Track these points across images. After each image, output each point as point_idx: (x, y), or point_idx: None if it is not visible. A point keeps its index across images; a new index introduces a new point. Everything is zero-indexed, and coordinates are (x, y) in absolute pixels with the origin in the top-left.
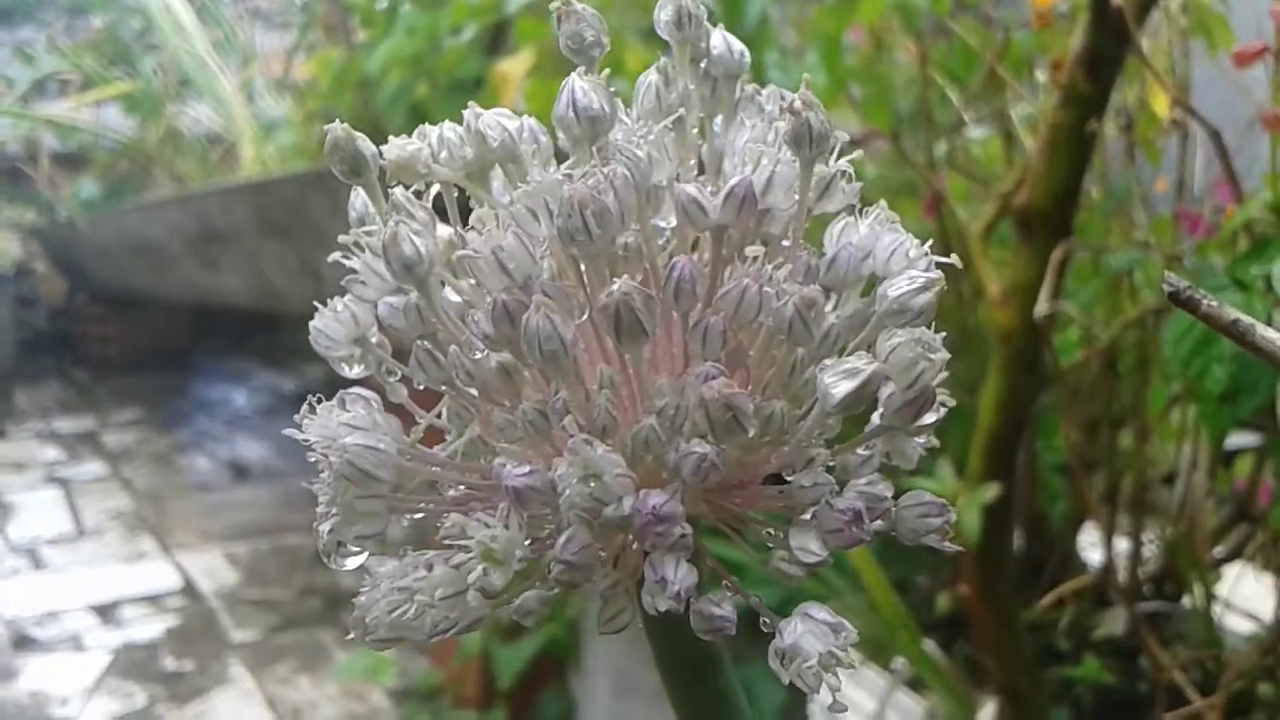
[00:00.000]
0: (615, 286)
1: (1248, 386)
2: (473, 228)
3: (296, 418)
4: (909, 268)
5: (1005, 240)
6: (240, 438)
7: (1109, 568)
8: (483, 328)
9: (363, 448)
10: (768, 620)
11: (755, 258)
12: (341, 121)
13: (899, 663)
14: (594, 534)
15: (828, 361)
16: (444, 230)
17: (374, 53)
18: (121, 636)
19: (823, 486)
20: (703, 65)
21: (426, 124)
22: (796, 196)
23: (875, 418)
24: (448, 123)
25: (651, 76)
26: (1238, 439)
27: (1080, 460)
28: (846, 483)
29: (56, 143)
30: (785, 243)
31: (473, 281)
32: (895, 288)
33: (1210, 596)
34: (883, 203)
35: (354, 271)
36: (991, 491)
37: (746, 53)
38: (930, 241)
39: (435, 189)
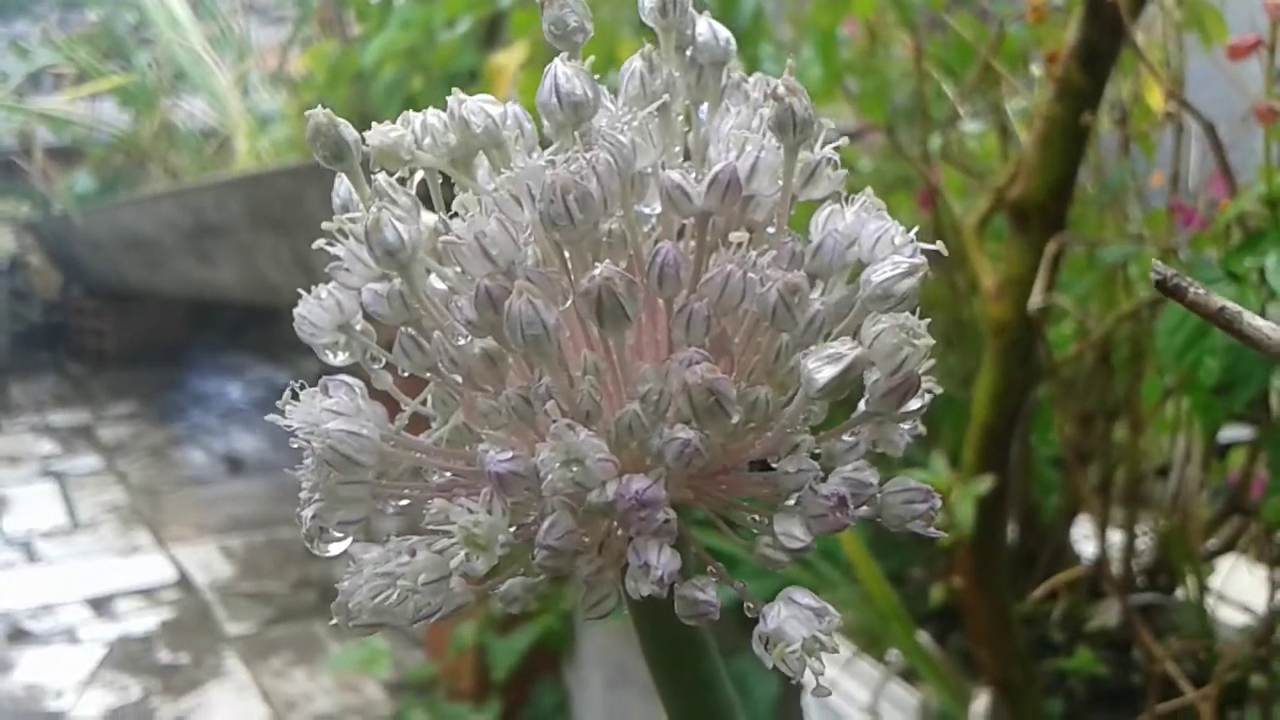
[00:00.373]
0: (597, 271)
1: (1241, 379)
2: (456, 214)
3: (279, 403)
4: (894, 254)
5: (1000, 234)
6: (235, 431)
7: (1102, 560)
8: (466, 313)
9: (345, 433)
10: (750, 605)
11: (739, 244)
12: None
13: (893, 654)
14: (577, 520)
15: (811, 347)
16: (428, 217)
17: (369, 46)
18: (116, 629)
19: (807, 473)
20: (688, 52)
21: (410, 111)
22: (781, 183)
23: (861, 404)
24: (431, 109)
25: (636, 63)
26: (1231, 432)
27: (1074, 453)
28: (832, 469)
29: (51, 136)
30: (770, 229)
31: (457, 269)
32: (879, 273)
33: (1203, 588)
34: (869, 190)
35: (338, 258)
36: (986, 483)
37: (732, 39)
38: (920, 232)
39: (419, 175)
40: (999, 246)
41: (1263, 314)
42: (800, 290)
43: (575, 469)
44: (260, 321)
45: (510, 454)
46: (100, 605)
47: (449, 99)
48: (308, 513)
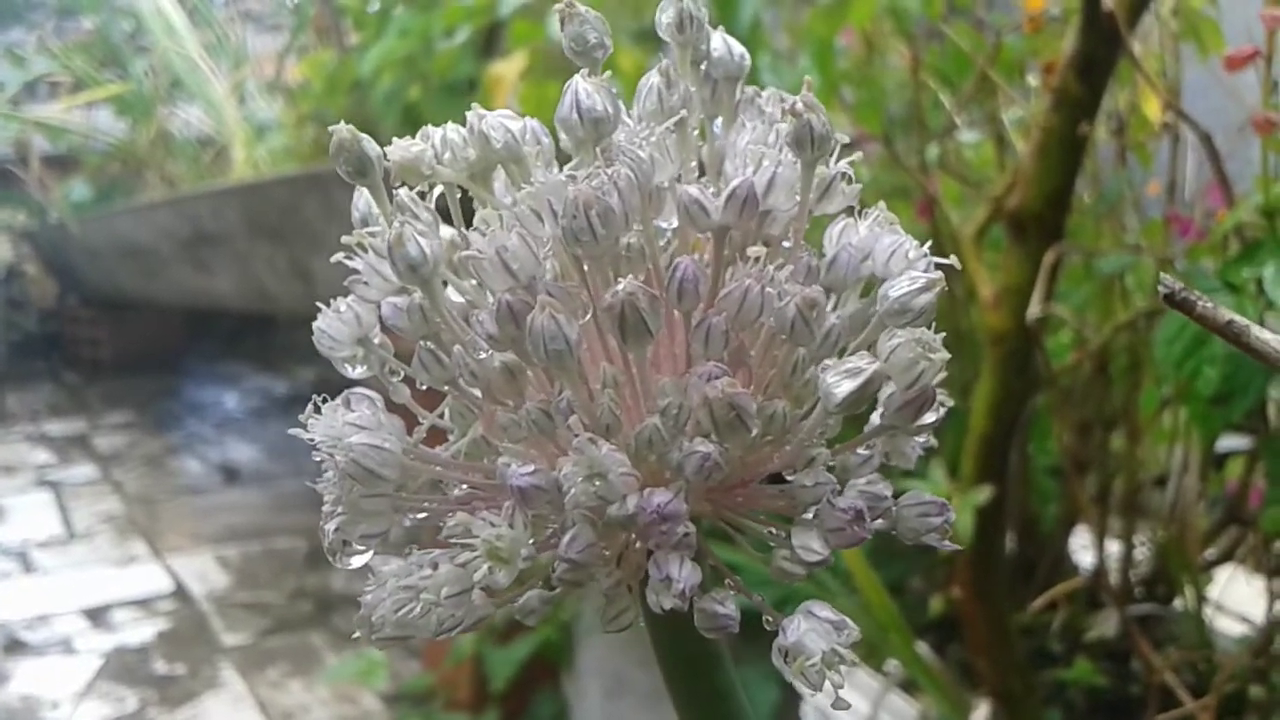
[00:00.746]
0: (620, 287)
1: (1239, 389)
2: (476, 229)
3: (302, 417)
4: (909, 268)
5: (997, 243)
6: (231, 440)
7: (1101, 570)
8: (487, 328)
9: (368, 447)
10: (770, 618)
11: (757, 258)
12: (333, 124)
13: (892, 665)
14: (597, 533)
15: (829, 361)
16: (446, 231)
17: (366, 55)
18: (112, 640)
19: (824, 486)
20: (703, 67)
21: (429, 125)
22: (798, 198)
23: (875, 418)
24: (451, 124)
25: (653, 79)
26: (1229, 441)
27: (1072, 462)
28: (846, 482)
29: (47, 145)
30: (786, 243)
31: (474, 282)
32: (897, 288)
33: (1202, 599)
34: (882, 204)
35: (356, 272)
36: (984, 494)
37: (747, 55)
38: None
39: (438, 190)
40: (997, 256)
41: (1261, 324)
42: (818, 305)
43: (598, 483)
44: (257, 330)
45: (532, 468)
46: (96, 616)
47: (468, 114)
48: (330, 526)
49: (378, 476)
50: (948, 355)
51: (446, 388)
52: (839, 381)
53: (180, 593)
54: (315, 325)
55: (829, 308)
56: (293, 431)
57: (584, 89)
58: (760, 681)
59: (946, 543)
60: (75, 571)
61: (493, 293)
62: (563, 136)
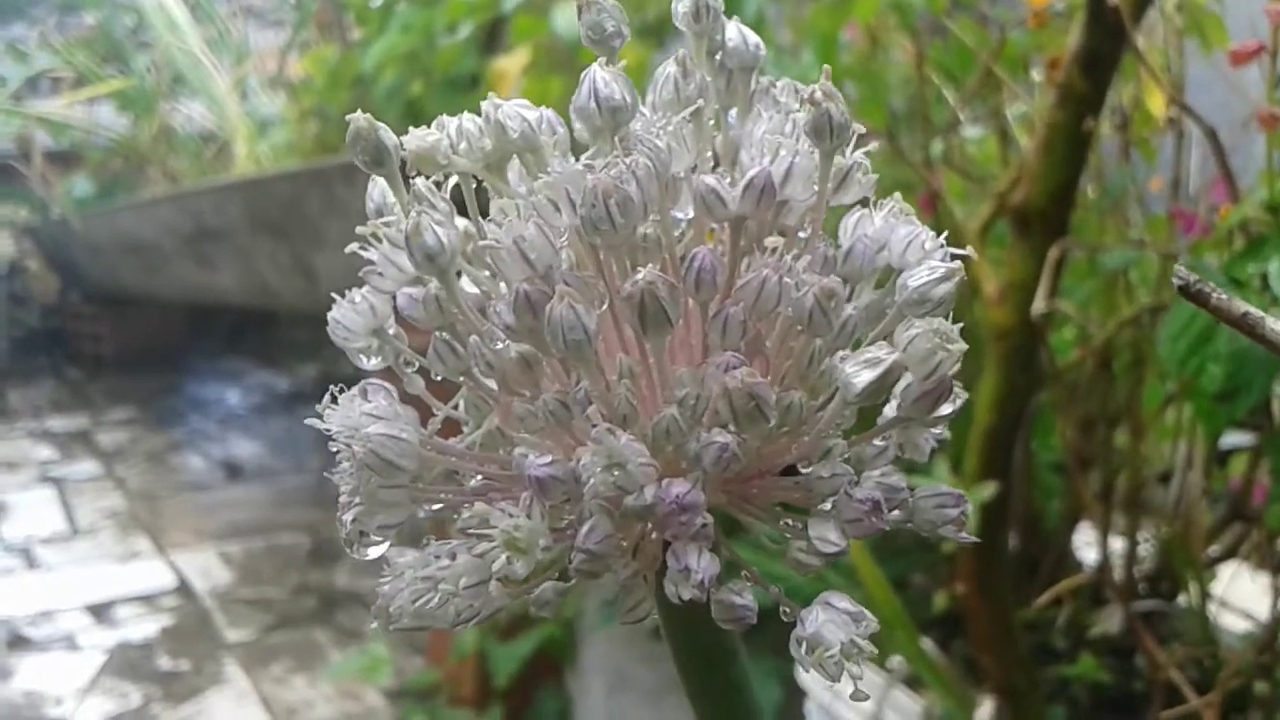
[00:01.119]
0: (640, 276)
1: (1244, 385)
2: (492, 219)
3: (319, 407)
4: (926, 259)
5: (1002, 239)
6: (234, 436)
7: (1105, 566)
8: (504, 318)
9: (386, 437)
10: (788, 609)
11: (775, 248)
12: (335, 119)
13: (896, 661)
14: (615, 524)
15: (846, 352)
16: (460, 221)
17: (369, 50)
18: (116, 636)
19: (841, 477)
20: (718, 57)
21: (444, 116)
22: (815, 188)
23: (890, 409)
24: (467, 114)
25: (670, 68)
26: (1233, 438)
27: (1076, 459)
28: (862, 474)
29: (49, 140)
30: (803, 234)
31: (487, 273)
32: (916, 278)
33: (1206, 595)
34: (897, 195)
35: (365, 265)
36: (988, 490)
37: (762, 45)
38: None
39: (453, 180)
40: (1001, 252)
41: None
42: (836, 296)
43: (617, 473)
44: (259, 326)
45: (550, 459)
46: (99, 612)
47: (483, 104)
48: (348, 516)
49: (396, 467)
50: (965, 346)
51: (462, 379)
52: (858, 371)
53: (183, 589)
54: (330, 316)
55: (845, 298)
56: (309, 421)
57: (601, 78)
58: (762, 679)
59: (963, 534)
60: (78, 567)
61: (509, 283)
62: (577, 126)
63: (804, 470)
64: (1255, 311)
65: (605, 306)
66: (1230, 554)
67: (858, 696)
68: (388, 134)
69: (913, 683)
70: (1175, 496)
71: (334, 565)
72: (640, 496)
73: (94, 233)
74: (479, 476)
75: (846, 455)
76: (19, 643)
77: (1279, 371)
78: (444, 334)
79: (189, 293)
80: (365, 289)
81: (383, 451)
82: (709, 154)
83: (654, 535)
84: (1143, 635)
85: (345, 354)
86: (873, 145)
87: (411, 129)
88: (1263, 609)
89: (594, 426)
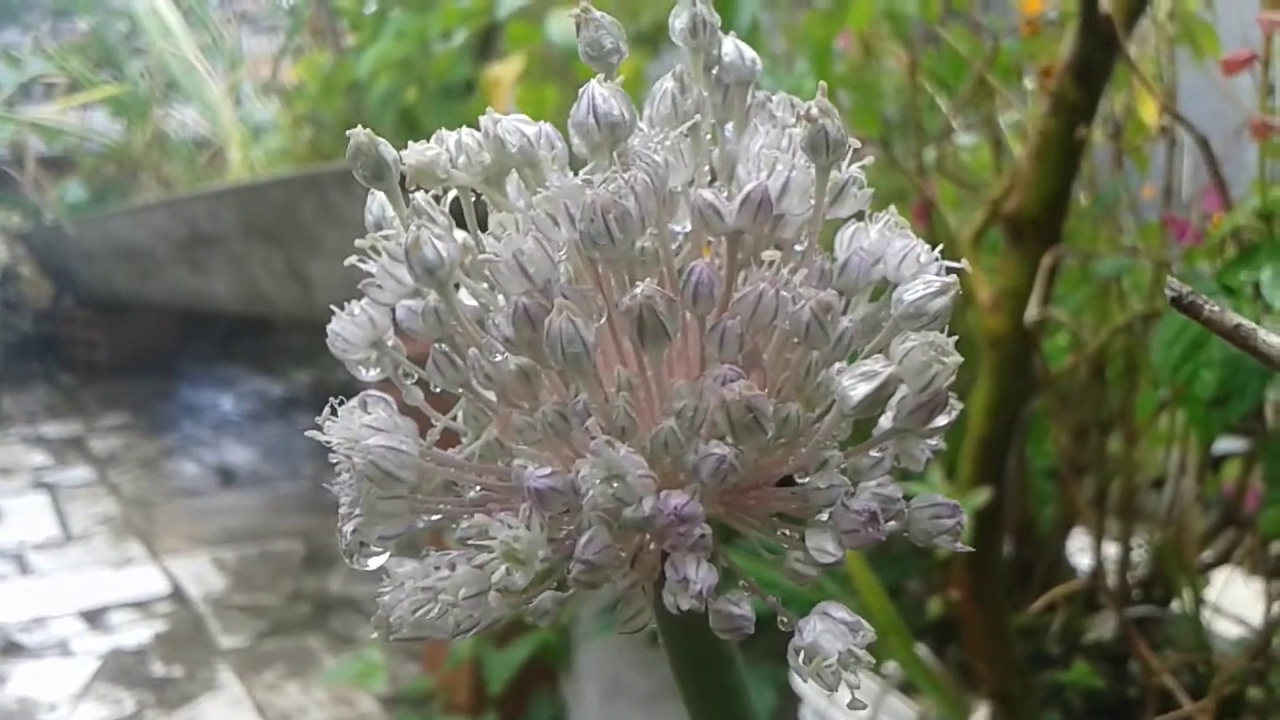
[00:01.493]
0: (638, 290)
1: (1236, 391)
2: (491, 233)
3: (319, 420)
4: (921, 272)
5: (995, 246)
6: (227, 443)
7: (1098, 572)
8: (503, 331)
9: (386, 449)
10: (785, 619)
11: (771, 262)
12: (329, 126)
13: (891, 667)
14: (613, 534)
15: (843, 365)
16: (460, 235)
17: (363, 57)
18: (109, 642)
19: (838, 488)
20: (714, 72)
21: (443, 130)
22: (811, 202)
23: (886, 421)
24: (466, 129)
25: (667, 84)
26: (1226, 444)
27: (1069, 465)
28: (858, 484)
29: (43, 146)
30: (799, 247)
31: (486, 286)
32: (912, 292)
33: (1199, 601)
34: (893, 209)
35: (360, 274)
36: (982, 496)
37: (758, 60)
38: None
39: (452, 194)
40: (994, 259)
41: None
42: (833, 309)
43: (616, 485)
44: (253, 332)
45: (549, 470)
46: (93, 618)
47: (482, 118)
48: (348, 528)
49: (395, 478)
50: (960, 359)
51: (461, 390)
52: (855, 384)
53: (177, 595)
54: (329, 328)
55: (841, 311)
56: (310, 433)
57: (600, 94)
58: (758, 685)
59: (959, 544)
60: (72, 573)
61: (508, 296)
62: (576, 140)
63: (801, 481)
64: (1247, 323)
65: (604, 320)
66: (1224, 559)
67: (855, 705)
68: (387, 149)
69: (908, 689)
70: (1169, 502)
71: (328, 571)
72: (639, 508)
73: (87, 238)
74: (478, 488)
75: (843, 466)
76: (12, 649)
77: (1271, 378)
78: (443, 346)
79: (183, 299)
80: (364, 301)
81: (382, 463)
82: (706, 168)
83: (652, 546)
84: (1136, 641)
85: (340, 361)
86: (868, 160)
87: (411, 143)
88: (1256, 614)
89: (593, 438)
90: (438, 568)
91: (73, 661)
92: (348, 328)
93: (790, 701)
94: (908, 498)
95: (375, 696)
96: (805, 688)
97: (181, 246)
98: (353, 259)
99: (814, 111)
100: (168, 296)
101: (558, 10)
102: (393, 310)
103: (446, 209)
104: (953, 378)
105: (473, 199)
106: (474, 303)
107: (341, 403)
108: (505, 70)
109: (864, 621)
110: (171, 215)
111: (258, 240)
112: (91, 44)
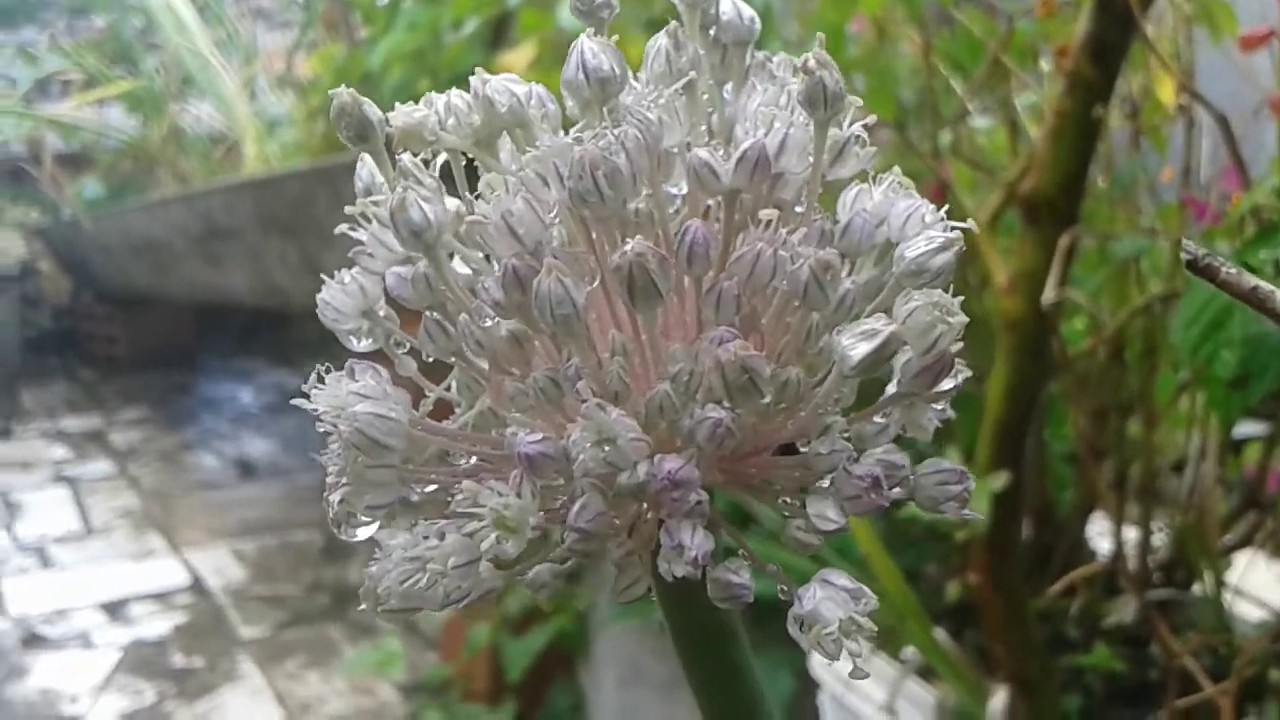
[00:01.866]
0: (628, 247)
1: (1257, 372)
2: (480, 195)
3: (304, 387)
4: (924, 231)
5: (1011, 228)
6: (246, 435)
7: (1118, 555)
8: (493, 294)
9: (373, 416)
10: (784, 588)
11: (769, 222)
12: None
13: (909, 651)
14: (608, 501)
15: (843, 326)
16: (451, 201)
17: (375, 49)
18: (130, 634)
19: (840, 453)
20: (712, 32)
21: (432, 93)
22: (810, 160)
23: (891, 387)
24: (455, 90)
25: (661, 40)
26: (1247, 426)
27: (1089, 448)
28: (863, 452)
29: (60, 142)
30: (799, 208)
31: (480, 254)
32: (913, 248)
33: (1220, 584)
34: (896, 169)
35: (361, 243)
36: (1000, 479)
37: (756, 19)
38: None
39: (442, 158)
40: (1010, 241)
41: None
42: (833, 268)
43: (607, 449)
44: (270, 325)
45: (540, 436)
46: (114, 610)
47: (472, 79)
48: (335, 497)
49: (383, 446)
50: (965, 319)
51: (453, 359)
52: (854, 344)
53: (197, 586)
54: (319, 297)
55: (844, 274)
56: (296, 402)
57: (589, 48)
58: (775, 670)
59: (965, 511)
60: (93, 566)
61: (498, 260)
62: (569, 101)
63: (802, 448)
64: (1265, 285)
65: (597, 282)
66: (1245, 542)
67: (857, 674)
68: (372, 108)
69: (926, 673)
70: (1189, 485)
71: (347, 562)
72: (633, 473)
73: (105, 234)
74: (472, 458)
75: (846, 433)
76: (34, 641)
77: None
78: (434, 313)
79: (200, 293)
80: (355, 270)
81: (369, 430)
82: (703, 128)
83: (649, 514)
84: (1157, 624)
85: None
86: (871, 118)
87: (398, 105)
88: (1278, 597)
89: (584, 402)
90: (426, 537)
91: (94, 653)
92: (338, 296)
93: (808, 686)
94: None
95: (394, 685)
96: (823, 673)
97: (198, 241)
98: (343, 227)
99: (811, 64)
100: (185, 291)
101: None
102: (384, 278)
103: (436, 173)
104: (958, 339)
105: (464, 163)
106: (468, 270)
107: (329, 370)
108: (517, 58)
109: (865, 588)
110: (188, 210)
111: (273, 233)
112: (107, 40)
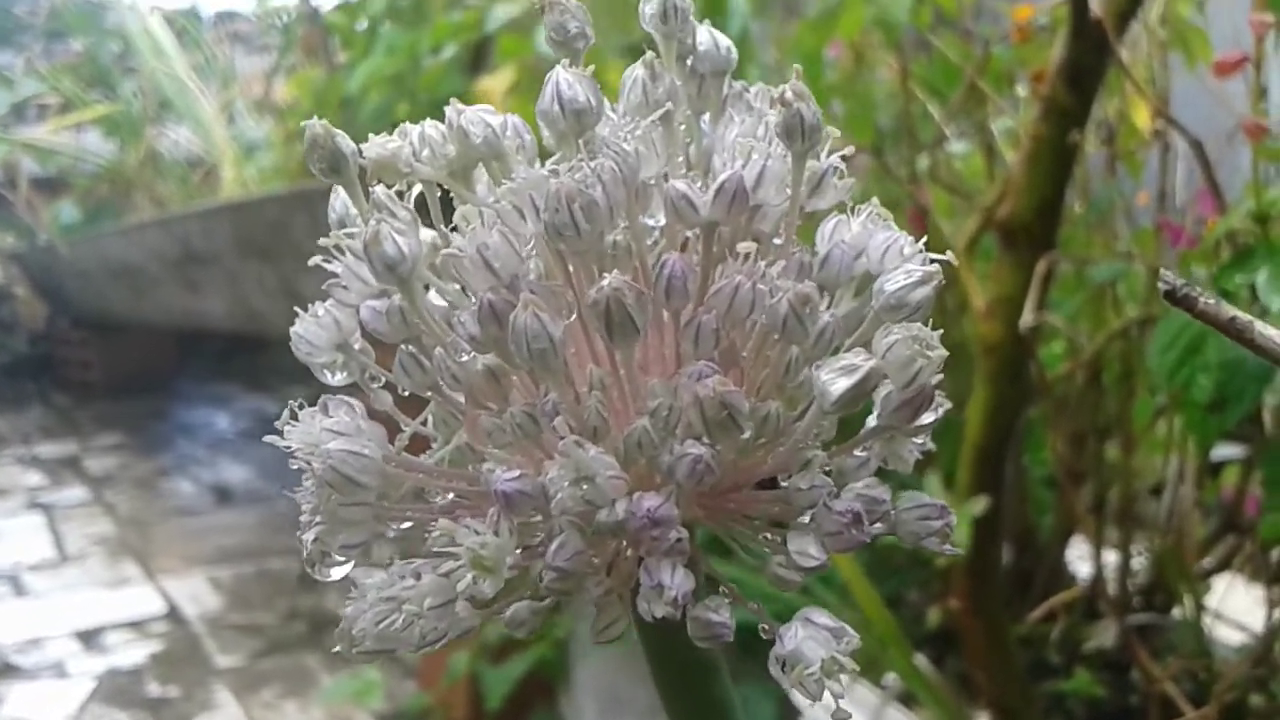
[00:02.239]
0: (605, 282)
1: (1234, 396)
2: (455, 227)
3: (278, 424)
4: (904, 264)
5: (989, 253)
6: (223, 461)
7: (1098, 580)
8: (469, 329)
9: (346, 453)
10: (766, 626)
11: (747, 255)
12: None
13: (890, 678)
14: (586, 540)
15: (823, 360)
16: (426, 233)
17: (354, 73)
18: (105, 663)
19: (820, 489)
20: (689, 62)
21: (406, 124)
22: (788, 192)
23: (871, 420)
24: (429, 120)
25: (638, 71)
26: (1224, 450)
27: (1067, 472)
28: (843, 486)
29: (36, 167)
30: (777, 240)
31: (456, 286)
32: (893, 282)
33: (1200, 607)
34: (875, 200)
35: (335, 276)
36: (980, 504)
37: (733, 49)
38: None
39: (417, 189)
40: (988, 266)
41: None
42: (811, 301)
43: (585, 487)
44: (247, 351)
45: (517, 473)
46: (89, 638)
47: (447, 109)
48: (309, 536)
49: (356, 484)
50: (945, 353)
51: (429, 393)
52: (834, 379)
53: (173, 614)
54: (293, 330)
55: (823, 307)
56: (268, 439)
57: (565, 79)
58: (758, 698)
59: (947, 546)
60: (67, 594)
61: (474, 293)
62: (544, 132)
63: (782, 483)
64: (1243, 316)
65: (574, 317)
66: (1224, 566)
67: (839, 716)
68: (345, 140)
69: (907, 700)
70: (1168, 509)
71: (324, 589)
72: (611, 511)
73: (81, 258)
74: (448, 494)
75: (827, 467)
76: (7, 670)
77: (1269, 381)
78: (409, 347)
79: (177, 318)
80: (329, 302)
81: (343, 468)
82: (681, 160)
83: (629, 552)
84: (1137, 649)
85: None
86: (849, 149)
87: (373, 136)
88: (1257, 621)
89: (562, 439)
90: (402, 577)
91: (68, 682)
92: (311, 329)
93: (789, 714)
94: (896, 499)
95: (373, 714)
96: (805, 701)
97: (175, 265)
98: (318, 259)
99: (788, 95)
100: (162, 316)
101: None
102: (359, 311)
103: (411, 205)
104: (938, 373)
105: (439, 195)
106: (443, 303)
107: (302, 407)
108: (496, 83)
109: (848, 627)
110: (165, 234)
111: (251, 258)
112: (84, 64)
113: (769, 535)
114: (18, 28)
